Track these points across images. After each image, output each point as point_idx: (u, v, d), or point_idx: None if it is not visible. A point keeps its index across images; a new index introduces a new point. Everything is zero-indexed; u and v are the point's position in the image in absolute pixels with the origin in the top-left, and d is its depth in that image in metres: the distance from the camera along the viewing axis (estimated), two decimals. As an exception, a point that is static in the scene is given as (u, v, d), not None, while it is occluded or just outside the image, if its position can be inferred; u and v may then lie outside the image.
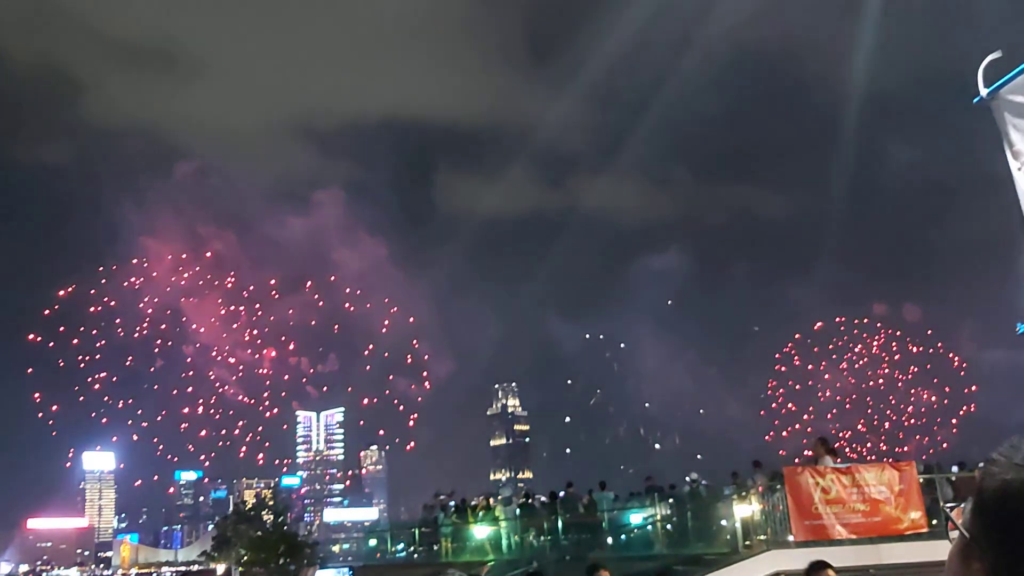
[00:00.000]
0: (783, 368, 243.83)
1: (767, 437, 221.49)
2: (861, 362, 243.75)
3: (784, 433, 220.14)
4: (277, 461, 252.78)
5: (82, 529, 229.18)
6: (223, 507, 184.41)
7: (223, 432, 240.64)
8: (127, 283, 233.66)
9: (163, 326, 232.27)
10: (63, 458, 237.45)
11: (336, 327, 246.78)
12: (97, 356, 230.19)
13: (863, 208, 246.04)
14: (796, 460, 25.50)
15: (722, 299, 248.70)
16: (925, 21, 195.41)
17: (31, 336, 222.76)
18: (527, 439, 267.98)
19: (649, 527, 29.28)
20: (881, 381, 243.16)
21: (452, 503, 40.14)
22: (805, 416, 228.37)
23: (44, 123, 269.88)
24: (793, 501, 20.29)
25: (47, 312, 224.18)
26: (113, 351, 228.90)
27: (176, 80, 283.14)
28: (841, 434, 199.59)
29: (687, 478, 30.09)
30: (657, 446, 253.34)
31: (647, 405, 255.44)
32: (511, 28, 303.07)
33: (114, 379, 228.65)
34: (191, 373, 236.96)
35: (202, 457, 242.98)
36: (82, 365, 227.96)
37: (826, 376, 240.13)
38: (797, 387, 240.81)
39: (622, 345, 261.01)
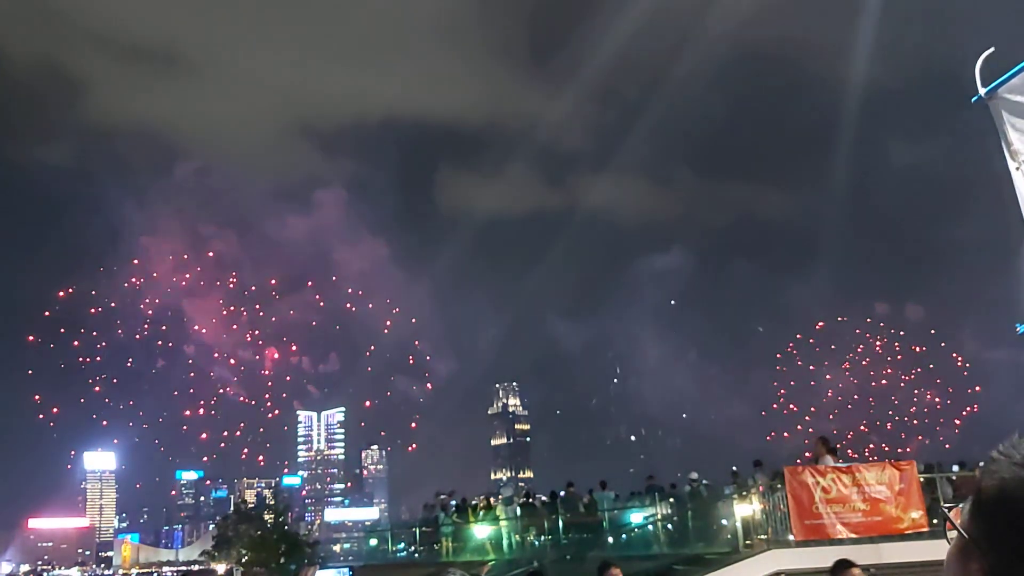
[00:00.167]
0: (784, 368, 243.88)
1: (768, 437, 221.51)
2: (864, 362, 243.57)
3: (785, 434, 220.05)
4: (278, 461, 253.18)
5: (83, 529, 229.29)
6: (224, 507, 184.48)
7: (224, 433, 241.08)
8: (128, 283, 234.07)
9: (164, 327, 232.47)
10: (64, 458, 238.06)
11: (337, 327, 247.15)
12: (98, 358, 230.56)
13: (865, 207, 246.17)
14: (797, 460, 25.41)
15: (723, 298, 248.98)
16: (925, 21, 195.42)
17: (31, 338, 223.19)
18: (528, 438, 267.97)
19: (650, 526, 29.25)
20: (884, 381, 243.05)
21: (453, 502, 40.15)
22: (807, 417, 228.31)
23: (44, 123, 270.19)
24: (793, 500, 20.28)
25: (47, 313, 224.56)
26: (114, 352, 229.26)
27: (176, 80, 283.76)
28: (847, 434, 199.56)
29: (688, 477, 30.09)
30: (658, 446, 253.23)
31: (648, 405, 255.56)
32: (512, 27, 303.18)
33: (114, 380, 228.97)
34: (192, 374, 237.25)
35: (205, 459, 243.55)
36: (83, 367, 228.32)
37: (828, 376, 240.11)
38: (798, 386, 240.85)
39: (623, 345, 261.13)
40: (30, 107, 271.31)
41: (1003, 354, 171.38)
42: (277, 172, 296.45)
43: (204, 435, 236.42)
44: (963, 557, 1.58)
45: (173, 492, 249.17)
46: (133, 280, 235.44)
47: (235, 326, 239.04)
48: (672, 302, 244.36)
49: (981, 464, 1.72)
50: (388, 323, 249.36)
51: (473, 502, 38.78)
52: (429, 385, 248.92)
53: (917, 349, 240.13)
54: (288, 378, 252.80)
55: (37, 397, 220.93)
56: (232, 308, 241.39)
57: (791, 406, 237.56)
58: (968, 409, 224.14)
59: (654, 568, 24.95)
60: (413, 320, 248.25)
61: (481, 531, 35.66)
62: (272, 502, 72.66)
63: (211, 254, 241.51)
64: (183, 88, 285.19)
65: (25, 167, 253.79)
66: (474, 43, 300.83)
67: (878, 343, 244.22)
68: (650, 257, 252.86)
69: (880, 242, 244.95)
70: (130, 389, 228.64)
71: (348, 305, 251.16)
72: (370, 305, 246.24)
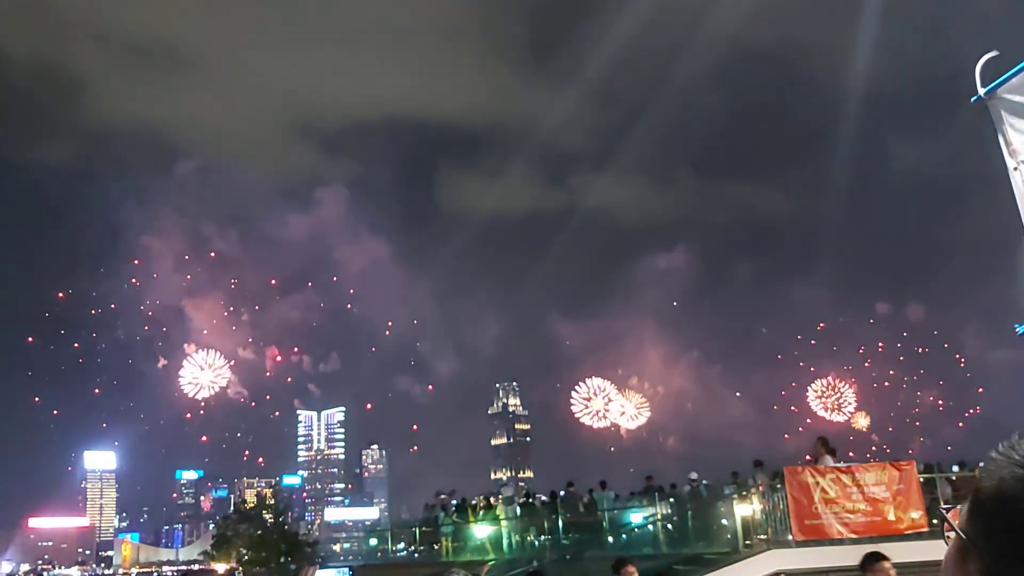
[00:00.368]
0: (785, 368, 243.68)
1: (769, 437, 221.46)
2: (865, 363, 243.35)
3: (786, 436, 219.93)
4: (278, 461, 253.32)
5: (83, 528, 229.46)
6: (224, 506, 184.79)
7: (225, 433, 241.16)
8: (128, 284, 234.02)
9: (164, 328, 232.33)
10: (64, 458, 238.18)
11: (338, 327, 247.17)
12: (98, 358, 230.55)
13: (867, 207, 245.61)
14: (800, 463, 25.40)
15: (724, 298, 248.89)
16: (925, 21, 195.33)
17: (31, 338, 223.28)
18: (528, 438, 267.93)
19: (649, 526, 29.25)
20: (886, 383, 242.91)
21: (453, 502, 40.21)
22: (808, 419, 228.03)
23: (44, 123, 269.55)
24: (793, 501, 20.29)
25: (47, 314, 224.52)
26: (114, 352, 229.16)
27: (176, 79, 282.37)
28: (850, 436, 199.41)
29: (687, 477, 30.11)
30: (658, 444, 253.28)
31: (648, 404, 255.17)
32: (513, 26, 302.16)
33: (115, 382, 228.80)
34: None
35: (206, 459, 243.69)
36: (83, 367, 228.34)
37: (829, 376, 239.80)
38: (799, 386, 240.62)
39: (623, 344, 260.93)
40: (30, 107, 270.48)
41: (1005, 355, 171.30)
42: (277, 171, 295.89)
43: (204, 433, 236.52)
44: (961, 558, 1.57)
45: (174, 494, 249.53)
46: (133, 280, 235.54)
47: (233, 328, 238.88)
48: (675, 304, 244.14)
49: (981, 465, 1.71)
50: (389, 323, 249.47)
51: (473, 502, 38.83)
52: (431, 387, 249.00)
53: (919, 350, 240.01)
54: (289, 378, 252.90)
55: (37, 399, 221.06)
56: (232, 308, 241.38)
57: (792, 407, 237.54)
58: (971, 410, 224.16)
59: (654, 568, 24.94)
60: (415, 322, 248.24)
61: (481, 531, 35.68)
62: (272, 502, 72.89)
63: (212, 254, 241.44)
64: (183, 88, 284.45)
65: (25, 167, 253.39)
66: (475, 43, 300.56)
67: (880, 343, 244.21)
68: (651, 257, 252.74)
69: (881, 242, 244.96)
70: (131, 389, 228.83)
71: (348, 306, 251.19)
72: (370, 305, 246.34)
